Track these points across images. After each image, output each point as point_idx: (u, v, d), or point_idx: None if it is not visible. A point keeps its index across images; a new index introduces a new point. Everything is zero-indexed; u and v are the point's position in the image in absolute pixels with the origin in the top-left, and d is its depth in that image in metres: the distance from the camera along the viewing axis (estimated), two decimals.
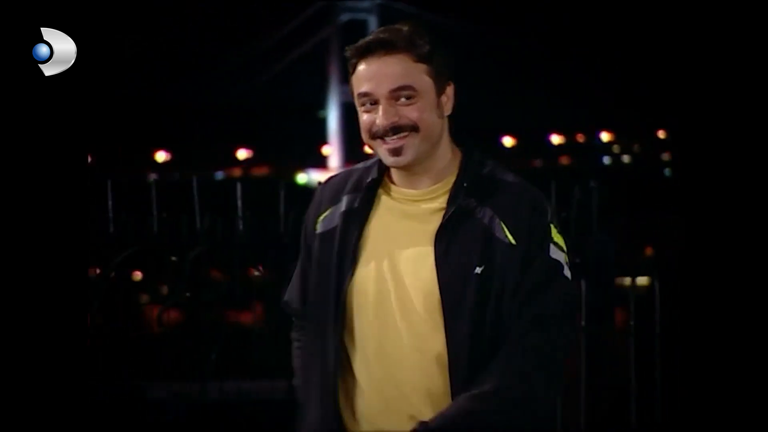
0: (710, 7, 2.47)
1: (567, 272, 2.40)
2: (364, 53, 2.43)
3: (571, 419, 4.29)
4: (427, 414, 2.36)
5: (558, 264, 2.38)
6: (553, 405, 2.41)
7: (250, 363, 4.99)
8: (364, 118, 2.45)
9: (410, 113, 2.39)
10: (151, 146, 43.38)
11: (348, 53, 2.43)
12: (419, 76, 2.40)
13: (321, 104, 49.56)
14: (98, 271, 4.72)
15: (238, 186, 4.82)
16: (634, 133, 49.47)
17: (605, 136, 50.11)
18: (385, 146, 2.42)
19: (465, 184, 2.41)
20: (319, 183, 2.66)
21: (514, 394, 2.29)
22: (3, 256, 2.37)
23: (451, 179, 2.45)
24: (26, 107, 2.38)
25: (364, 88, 2.42)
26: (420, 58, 2.40)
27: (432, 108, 2.41)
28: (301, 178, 47.05)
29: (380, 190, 2.50)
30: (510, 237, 2.36)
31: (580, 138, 50.16)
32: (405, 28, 2.42)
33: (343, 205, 2.49)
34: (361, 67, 2.42)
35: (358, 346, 2.43)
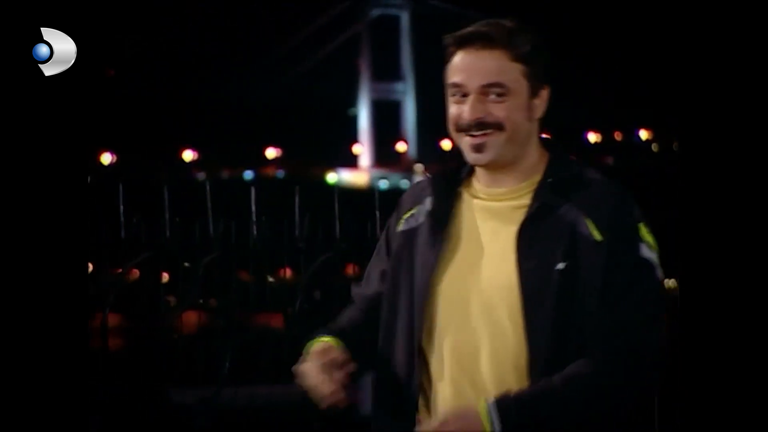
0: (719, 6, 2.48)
1: (659, 273, 2.39)
2: (462, 44, 2.42)
3: None
4: None
5: (649, 264, 2.37)
6: (635, 406, 2.39)
7: (266, 367, 5.12)
8: (452, 109, 2.45)
9: (498, 111, 2.39)
10: (179, 145, 43.30)
11: (446, 41, 2.44)
12: (513, 75, 2.39)
13: (351, 102, 49.42)
14: (109, 273, 4.87)
15: (252, 190, 4.95)
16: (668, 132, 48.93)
17: (644, 134, 49.64)
18: (469, 141, 2.43)
19: (550, 181, 2.42)
20: (409, 187, 2.67)
21: (602, 381, 2.31)
22: (2, 256, 2.39)
23: (537, 178, 2.45)
24: (26, 107, 2.42)
25: (455, 79, 2.42)
26: (517, 58, 2.39)
27: (522, 109, 2.41)
28: (331, 177, 47.08)
29: (465, 190, 2.51)
30: (596, 233, 2.35)
31: (618, 136, 49.87)
32: (508, 24, 2.43)
33: (427, 204, 2.51)
34: (457, 57, 2.43)
35: (435, 343, 2.44)
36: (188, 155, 44.12)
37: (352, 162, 49.41)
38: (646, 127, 49.49)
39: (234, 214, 5.23)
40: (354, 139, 49.67)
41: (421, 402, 2.47)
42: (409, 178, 45.55)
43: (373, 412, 2.58)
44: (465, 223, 2.48)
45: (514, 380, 2.37)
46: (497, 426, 2.29)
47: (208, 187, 5.00)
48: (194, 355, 5.00)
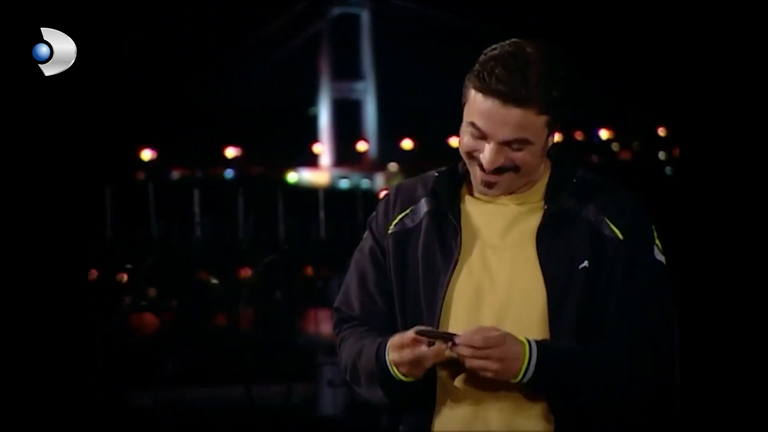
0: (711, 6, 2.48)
1: (668, 275, 2.45)
2: (487, 91, 2.34)
3: None
4: (522, 414, 2.37)
5: (663, 267, 2.43)
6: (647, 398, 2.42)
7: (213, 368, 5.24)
8: (466, 139, 2.40)
9: (516, 158, 2.38)
10: (137, 145, 42.99)
11: (471, 80, 2.36)
12: (538, 127, 2.37)
13: (312, 101, 49.27)
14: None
15: (195, 191, 5.65)
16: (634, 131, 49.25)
17: (604, 134, 49.85)
18: (481, 176, 2.41)
19: (565, 185, 2.44)
20: (390, 189, 2.62)
21: (626, 363, 2.35)
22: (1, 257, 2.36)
23: (544, 181, 2.47)
24: (26, 107, 2.42)
25: (477, 121, 2.37)
26: (543, 110, 2.35)
27: (539, 151, 2.41)
28: (292, 177, 46.92)
29: (465, 191, 2.49)
30: (617, 232, 2.39)
31: (579, 135, 50.02)
32: (536, 71, 2.32)
33: (424, 205, 2.48)
34: (480, 99, 2.36)
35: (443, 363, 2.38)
36: (147, 155, 43.85)
37: (312, 161, 49.29)
38: (607, 127, 49.72)
39: (178, 215, 5.17)
40: (314, 138, 49.54)
41: (438, 408, 2.43)
42: (370, 178, 45.51)
43: (389, 413, 2.50)
44: (475, 224, 2.46)
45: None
46: (532, 366, 2.31)
47: (150, 189, 5.23)
48: (146, 357, 5.17)
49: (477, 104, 2.36)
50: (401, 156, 44.92)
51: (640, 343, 2.38)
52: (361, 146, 49.55)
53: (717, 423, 2.43)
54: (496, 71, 2.33)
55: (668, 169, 49.72)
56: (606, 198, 2.44)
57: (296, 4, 47.60)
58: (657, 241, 2.44)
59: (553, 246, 2.40)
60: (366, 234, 2.58)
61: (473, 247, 2.44)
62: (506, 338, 2.29)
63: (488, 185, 2.42)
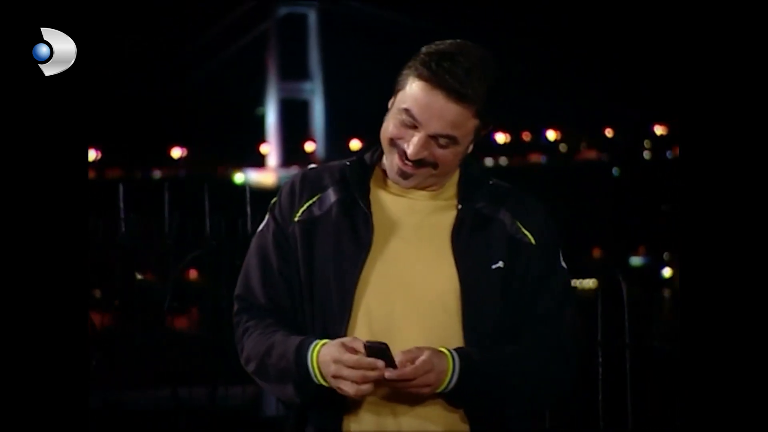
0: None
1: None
2: (432, 82, 2.33)
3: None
4: (436, 417, 2.37)
5: (567, 273, 2.50)
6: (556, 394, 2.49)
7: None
8: (391, 127, 2.40)
9: (440, 155, 2.39)
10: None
11: (416, 66, 2.34)
12: (468, 128, 2.39)
13: (259, 101, 49.14)
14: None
15: (120, 187, 4.88)
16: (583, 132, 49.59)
17: (552, 135, 50.13)
18: (399, 164, 2.41)
19: (478, 187, 2.48)
20: (294, 177, 2.58)
21: (538, 359, 2.40)
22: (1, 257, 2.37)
23: (452, 182, 2.49)
24: (26, 107, 2.40)
25: (412, 109, 2.35)
26: (478, 114, 2.37)
27: (461, 153, 2.43)
28: (239, 177, 46.75)
29: (375, 183, 2.49)
30: (530, 236, 2.45)
31: (526, 136, 50.28)
32: (480, 75, 2.34)
33: (332, 194, 2.47)
34: (420, 88, 2.35)
35: (362, 338, 2.36)
36: (90, 155, 43.50)
37: (259, 162, 49.16)
38: (554, 128, 49.99)
39: (104, 212, 5.03)
40: (262, 138, 49.42)
41: (348, 408, 2.41)
42: None
43: (296, 412, 2.47)
44: (386, 216, 2.46)
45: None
46: (455, 378, 2.33)
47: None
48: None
49: (417, 92, 2.36)
50: (349, 156, 44.84)
51: (553, 348, 2.43)
52: (309, 146, 49.50)
53: (718, 423, 2.42)
54: (446, 65, 2.33)
55: (615, 171, 50.31)
56: (517, 203, 2.49)
57: (243, 3, 47.40)
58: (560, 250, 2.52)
59: (468, 245, 2.41)
60: (267, 220, 2.54)
61: (385, 237, 2.43)
62: (433, 360, 2.29)
63: (404, 175, 2.42)
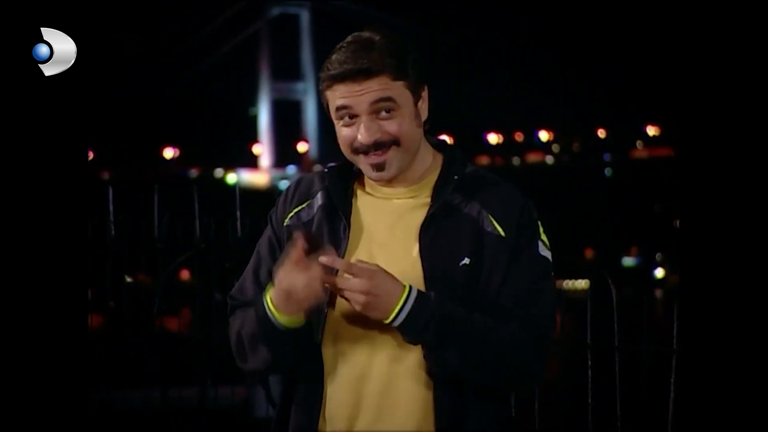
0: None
1: (553, 269, 2.51)
2: (343, 79, 2.39)
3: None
4: (409, 420, 2.40)
5: (547, 262, 2.49)
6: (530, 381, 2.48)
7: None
8: (343, 132, 2.43)
9: (391, 127, 2.41)
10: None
11: (322, 77, 2.41)
12: (398, 90, 2.40)
13: (252, 102, 49.19)
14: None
15: (110, 189, 4.96)
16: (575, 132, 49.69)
17: (544, 135, 50.23)
18: (368, 161, 2.41)
19: (450, 181, 2.48)
20: (293, 181, 2.67)
21: (507, 339, 2.39)
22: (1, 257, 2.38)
23: (433, 178, 2.51)
24: (26, 107, 2.40)
25: (342, 102, 2.40)
26: (397, 76, 2.40)
27: (411, 119, 2.43)
28: (231, 178, 46.74)
29: (359, 186, 2.52)
30: (499, 229, 2.45)
31: (519, 136, 50.38)
32: (379, 47, 2.40)
33: (319, 199, 2.52)
34: (338, 87, 2.40)
35: (332, 341, 2.43)
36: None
37: (252, 162, 49.20)
38: (547, 128, 50.08)
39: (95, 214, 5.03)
40: (254, 139, 49.45)
41: (326, 405, 2.44)
42: None
43: (278, 413, 2.50)
44: (364, 220, 2.50)
45: (412, 375, 2.40)
46: (405, 310, 2.34)
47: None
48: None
49: (335, 94, 2.42)
50: (342, 156, 44.81)
51: (524, 333, 2.42)
52: (302, 147, 49.52)
53: (716, 423, 2.43)
54: (338, 57, 2.41)
55: (608, 171, 50.37)
56: (491, 194, 2.48)
57: (235, 3, 47.41)
58: (543, 237, 2.50)
59: (434, 242, 2.43)
60: (267, 226, 2.59)
61: (360, 242, 2.47)
62: (380, 275, 2.31)
63: (378, 168, 2.44)
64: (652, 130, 49.58)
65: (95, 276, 5.14)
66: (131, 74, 46.30)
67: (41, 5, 2.47)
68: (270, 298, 2.38)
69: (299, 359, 2.45)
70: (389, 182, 2.49)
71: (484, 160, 48.10)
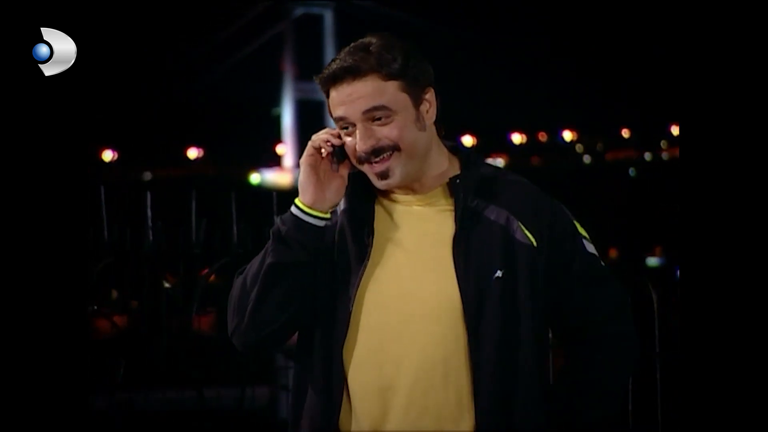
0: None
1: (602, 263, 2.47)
2: (333, 81, 2.39)
3: None
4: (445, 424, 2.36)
5: (596, 258, 2.44)
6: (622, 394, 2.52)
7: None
8: (347, 141, 2.42)
9: (388, 133, 2.37)
10: (98, 145, 42.70)
11: (317, 81, 2.42)
12: (392, 93, 2.37)
13: (275, 102, 49.13)
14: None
15: (148, 195, 4.89)
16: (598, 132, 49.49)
17: (568, 135, 50.05)
18: (371, 170, 2.40)
19: (469, 184, 2.42)
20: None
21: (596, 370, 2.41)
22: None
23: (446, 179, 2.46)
24: (26, 107, 2.41)
25: (338, 113, 2.41)
26: (390, 76, 2.37)
27: (411, 123, 2.38)
28: (255, 178, 46.75)
29: (380, 193, 2.47)
30: (531, 238, 2.39)
31: (543, 137, 50.21)
32: (371, 47, 2.39)
33: (342, 203, 2.46)
34: (333, 93, 2.41)
35: (358, 351, 2.39)
36: (108, 155, 43.61)
37: (275, 162, 49.15)
38: (571, 128, 49.89)
39: (130, 218, 5.08)
40: (278, 139, 49.39)
41: (343, 415, 2.41)
42: None
43: (292, 422, 2.49)
44: (388, 226, 2.45)
45: (455, 393, 2.36)
46: None
47: (102, 191, 4.94)
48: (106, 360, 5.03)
49: (332, 98, 2.41)
50: None
51: (606, 341, 2.43)
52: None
53: (717, 420, 2.43)
54: (334, 60, 2.40)
55: (632, 171, 50.17)
56: (521, 201, 2.43)
57: (259, 3, 47.41)
58: (583, 233, 2.45)
59: (467, 258, 2.37)
60: None
61: (386, 248, 2.42)
62: None
63: (381, 176, 2.40)
64: (676, 130, 49.35)
65: (133, 279, 5.21)
66: (154, 75, 46.37)
67: (41, 5, 2.44)
68: (296, 200, 2.41)
69: (305, 308, 2.39)
70: (404, 188, 2.44)
71: (506, 159, 47.94)
